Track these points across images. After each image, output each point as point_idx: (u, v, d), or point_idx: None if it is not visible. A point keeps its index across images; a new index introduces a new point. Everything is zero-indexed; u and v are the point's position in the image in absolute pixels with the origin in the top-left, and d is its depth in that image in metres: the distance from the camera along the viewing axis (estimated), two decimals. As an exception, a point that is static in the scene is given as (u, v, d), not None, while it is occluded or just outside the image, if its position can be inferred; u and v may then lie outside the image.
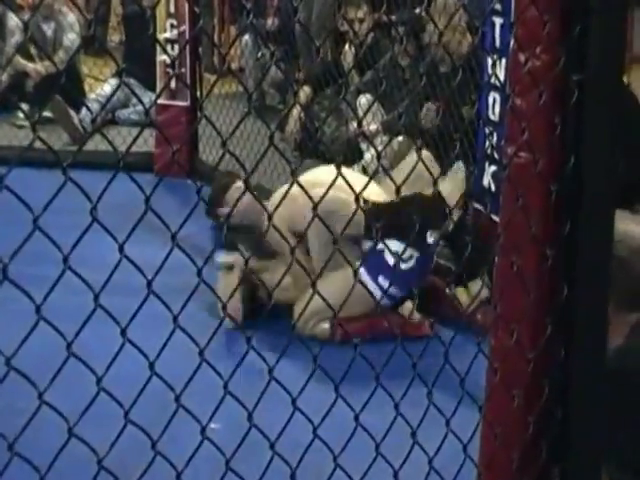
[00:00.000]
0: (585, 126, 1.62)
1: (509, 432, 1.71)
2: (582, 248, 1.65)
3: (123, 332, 1.22)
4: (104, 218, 1.20)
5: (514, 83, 1.67)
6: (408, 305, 4.08)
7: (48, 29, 7.31)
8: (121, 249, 1.19)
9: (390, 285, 3.97)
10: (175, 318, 1.29)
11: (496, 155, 4.15)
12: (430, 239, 4.05)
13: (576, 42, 1.59)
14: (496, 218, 3.85)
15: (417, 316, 4.03)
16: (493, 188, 4.23)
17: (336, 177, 1.43)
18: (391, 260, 3.97)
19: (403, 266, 4.00)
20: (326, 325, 3.91)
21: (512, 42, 1.66)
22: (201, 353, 1.32)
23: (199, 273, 1.29)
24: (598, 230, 1.66)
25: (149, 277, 1.27)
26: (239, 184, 4.33)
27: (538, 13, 1.59)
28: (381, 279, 3.98)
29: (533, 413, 1.70)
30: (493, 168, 4.22)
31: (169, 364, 1.40)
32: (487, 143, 4.29)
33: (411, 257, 4.00)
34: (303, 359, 1.49)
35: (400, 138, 5.41)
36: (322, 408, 1.48)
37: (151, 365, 1.26)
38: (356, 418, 1.50)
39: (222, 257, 4.10)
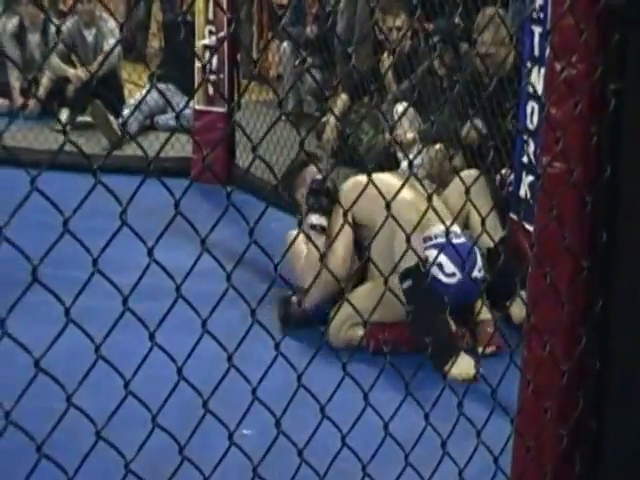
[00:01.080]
0: (622, 136, 1.60)
1: (542, 445, 1.69)
2: (619, 259, 1.63)
3: (152, 336, 1.23)
4: (139, 222, 1.22)
5: (550, 92, 1.66)
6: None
7: (89, 35, 7.37)
8: (150, 253, 1.19)
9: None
10: (204, 322, 1.29)
11: (534, 165, 4.12)
12: (477, 272, 3.99)
13: (614, 51, 1.58)
14: (530, 227, 3.82)
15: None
16: (530, 198, 4.20)
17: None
18: (439, 276, 3.88)
19: (444, 279, 3.94)
20: (360, 331, 3.88)
21: (548, 50, 1.64)
22: (230, 359, 1.32)
23: (228, 278, 1.30)
24: (635, 241, 1.64)
25: (178, 282, 1.27)
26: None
27: (574, 21, 1.58)
28: None
29: (566, 426, 1.68)
30: (530, 178, 4.19)
31: (200, 369, 1.40)
32: (525, 153, 4.26)
33: (454, 275, 3.93)
34: (335, 366, 1.49)
35: (437, 146, 5.38)
36: (352, 415, 1.47)
37: (179, 370, 1.26)
38: (385, 427, 1.49)
39: (315, 219, 4.08)
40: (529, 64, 3.97)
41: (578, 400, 1.66)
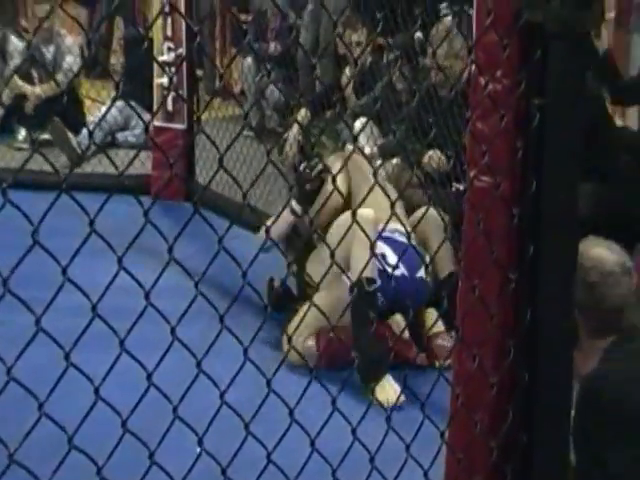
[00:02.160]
0: (546, 150, 1.62)
1: (472, 457, 1.70)
2: (545, 272, 1.65)
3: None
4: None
5: (475, 107, 1.67)
6: (397, 318, 4.05)
7: (48, 52, 7.34)
8: (64, 272, 1.19)
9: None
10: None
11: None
12: (422, 273, 4.03)
13: (536, 66, 1.59)
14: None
15: (407, 334, 3.97)
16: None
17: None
18: (382, 265, 3.93)
19: (389, 270, 3.93)
20: (311, 342, 3.89)
21: (473, 66, 1.66)
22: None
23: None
24: (560, 253, 1.66)
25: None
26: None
27: (497, 37, 1.60)
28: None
29: (496, 438, 1.69)
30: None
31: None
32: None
33: (397, 268, 3.97)
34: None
35: (394, 161, 5.40)
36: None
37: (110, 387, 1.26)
38: (312, 443, 1.49)
39: (294, 204, 4.36)
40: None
41: (508, 412, 1.67)
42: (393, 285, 3.86)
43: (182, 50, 6.08)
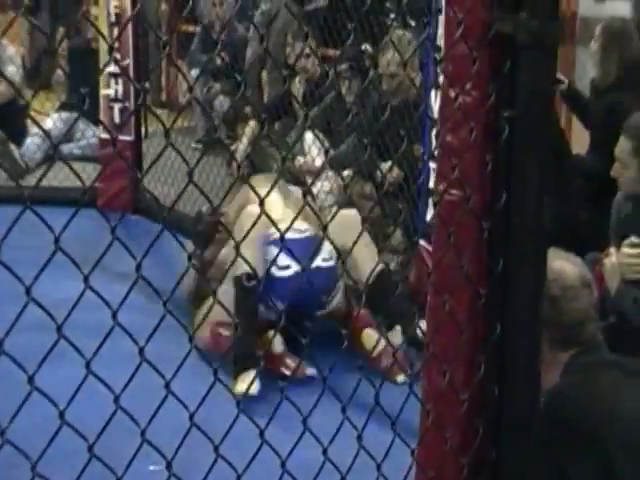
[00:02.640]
0: (514, 163, 1.60)
1: (443, 476, 1.68)
2: (513, 286, 1.63)
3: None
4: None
5: (445, 119, 1.65)
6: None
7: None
8: (27, 291, 1.14)
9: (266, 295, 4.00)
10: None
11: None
12: (321, 261, 4.09)
13: (506, 78, 1.58)
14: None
15: (280, 348, 3.99)
16: (437, 223, 4.21)
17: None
18: (275, 272, 4.03)
19: (278, 273, 4.00)
20: (206, 333, 4.02)
21: (442, 78, 1.64)
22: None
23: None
24: (529, 268, 1.63)
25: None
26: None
27: (467, 49, 1.58)
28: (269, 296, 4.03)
29: (467, 455, 1.66)
30: (436, 203, 4.21)
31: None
32: (430, 178, 4.28)
33: (288, 267, 4.01)
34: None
35: (346, 173, 5.39)
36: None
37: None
38: (283, 465, 1.45)
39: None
40: (430, 91, 4.01)
41: (478, 429, 1.65)
42: (287, 285, 3.97)
43: (129, 61, 6.01)
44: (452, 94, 1.62)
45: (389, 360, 3.90)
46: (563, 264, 2.17)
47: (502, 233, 1.62)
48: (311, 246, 4.01)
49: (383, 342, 3.91)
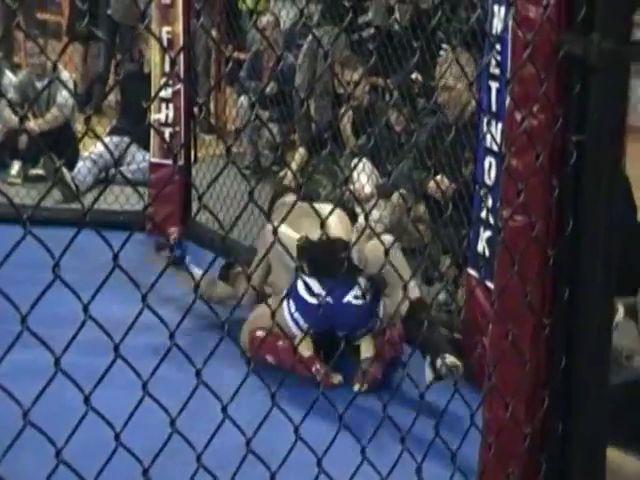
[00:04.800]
0: (584, 189, 1.55)
1: (503, 511, 1.62)
2: (582, 316, 1.57)
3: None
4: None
5: (510, 143, 1.61)
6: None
7: (42, 86, 7.27)
8: (85, 309, 1.11)
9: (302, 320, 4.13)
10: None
11: (491, 220, 4.08)
12: (352, 297, 4.09)
13: (575, 101, 1.53)
14: (490, 285, 3.77)
15: (308, 352, 4.12)
16: (487, 254, 4.15)
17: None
18: (305, 295, 4.12)
19: (310, 299, 4.11)
20: (246, 336, 4.25)
21: (508, 100, 1.59)
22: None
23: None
24: (599, 297, 1.58)
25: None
26: (288, 198, 4.86)
27: (535, 71, 1.53)
28: (296, 314, 4.16)
29: (528, 491, 1.60)
30: (488, 233, 4.14)
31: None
32: (483, 208, 4.22)
33: (319, 296, 4.09)
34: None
35: (394, 199, 5.34)
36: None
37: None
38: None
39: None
40: (484, 119, 3.95)
41: (541, 465, 1.59)
42: (313, 310, 4.04)
43: (180, 86, 6.03)
44: (518, 117, 1.57)
45: (363, 367, 4.06)
46: None
47: (568, 261, 1.57)
48: (343, 279, 4.10)
49: (370, 352, 4.08)
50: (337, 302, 4.10)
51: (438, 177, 5.02)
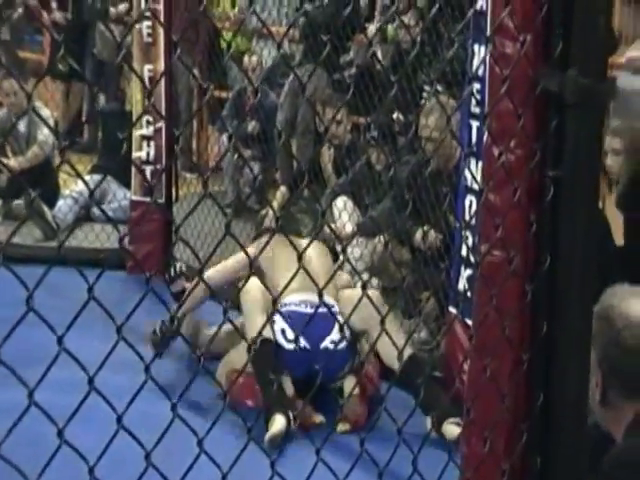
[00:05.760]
0: (561, 224, 1.55)
1: None
2: (559, 351, 1.57)
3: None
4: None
5: (488, 178, 1.61)
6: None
7: (21, 124, 7.25)
8: (59, 341, 1.10)
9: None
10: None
11: (472, 258, 4.09)
12: (329, 343, 4.08)
13: (552, 137, 1.54)
14: (469, 322, 3.77)
15: (290, 391, 4.11)
16: (469, 292, 4.16)
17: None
18: (281, 340, 4.11)
19: (287, 345, 4.10)
20: (222, 377, 4.18)
21: (486, 136, 1.60)
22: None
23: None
24: (576, 333, 1.57)
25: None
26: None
27: (512, 106, 1.54)
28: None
29: (507, 528, 1.59)
30: (469, 271, 4.16)
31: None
32: (463, 246, 4.24)
33: (296, 341, 4.09)
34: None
35: (376, 240, 5.35)
36: None
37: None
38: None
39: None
40: (463, 158, 3.98)
41: (519, 500, 1.58)
42: (291, 357, 4.04)
43: (161, 124, 6.04)
44: (496, 152, 1.58)
45: (348, 406, 4.04)
46: (636, 306, 1.92)
47: (546, 296, 1.57)
48: (320, 324, 4.00)
49: (354, 390, 4.08)
50: (314, 348, 4.07)
51: (425, 229, 5.01)
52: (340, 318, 4.06)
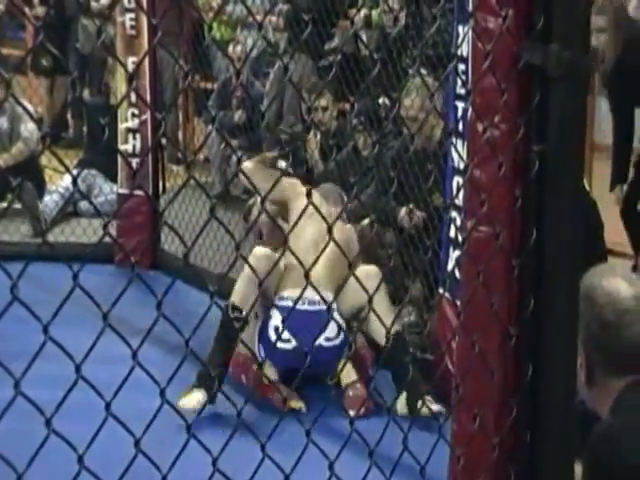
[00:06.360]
0: (546, 198, 1.55)
1: (474, 524, 1.60)
2: (546, 326, 1.57)
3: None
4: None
5: (472, 154, 1.61)
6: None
7: (3, 120, 7.18)
8: (45, 330, 1.09)
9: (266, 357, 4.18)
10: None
11: (460, 238, 4.09)
12: (324, 340, 4.09)
13: (536, 111, 1.53)
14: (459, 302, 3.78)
15: (274, 377, 4.12)
16: (458, 273, 4.16)
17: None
18: (272, 335, 4.14)
19: (279, 344, 4.07)
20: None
21: (470, 112, 1.60)
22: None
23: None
24: (563, 306, 1.57)
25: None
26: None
27: (495, 81, 1.54)
28: (261, 349, 4.16)
29: (499, 503, 1.59)
30: (457, 252, 4.15)
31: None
32: (451, 228, 4.24)
33: (289, 341, 4.02)
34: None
35: (365, 222, 5.35)
36: None
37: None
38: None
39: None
40: (450, 139, 3.97)
41: (509, 475, 1.58)
42: (282, 356, 4.02)
43: (147, 116, 6.02)
44: (480, 128, 1.58)
45: (351, 393, 4.06)
46: (617, 284, 1.94)
47: (533, 271, 1.57)
48: (317, 321, 3.93)
49: (353, 376, 4.07)
50: (307, 347, 4.03)
51: (409, 207, 5.02)
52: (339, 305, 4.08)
